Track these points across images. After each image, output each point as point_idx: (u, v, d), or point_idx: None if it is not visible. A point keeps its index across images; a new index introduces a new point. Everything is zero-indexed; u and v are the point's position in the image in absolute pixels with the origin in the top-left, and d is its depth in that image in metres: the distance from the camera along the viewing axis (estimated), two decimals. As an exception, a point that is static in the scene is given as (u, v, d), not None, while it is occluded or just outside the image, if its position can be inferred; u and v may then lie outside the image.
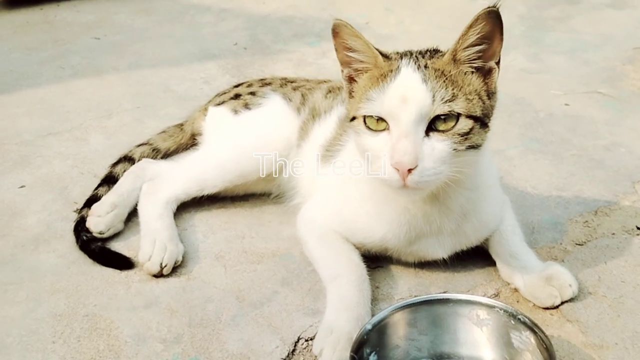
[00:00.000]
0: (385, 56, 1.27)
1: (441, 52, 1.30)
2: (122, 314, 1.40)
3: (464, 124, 1.19)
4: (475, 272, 1.46)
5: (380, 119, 1.21)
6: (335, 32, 1.27)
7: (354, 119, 1.26)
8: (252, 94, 1.85)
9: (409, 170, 1.15)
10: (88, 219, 1.64)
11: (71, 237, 1.65)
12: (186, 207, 1.75)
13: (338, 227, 1.46)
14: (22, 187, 1.91)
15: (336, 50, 1.30)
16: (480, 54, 1.22)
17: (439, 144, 1.17)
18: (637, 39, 2.93)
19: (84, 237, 1.60)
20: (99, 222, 1.62)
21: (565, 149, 2.00)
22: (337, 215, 1.46)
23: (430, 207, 1.32)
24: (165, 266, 1.49)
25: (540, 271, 1.36)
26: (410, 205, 1.33)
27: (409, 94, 1.17)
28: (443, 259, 1.41)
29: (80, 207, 1.74)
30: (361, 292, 1.32)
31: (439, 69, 1.20)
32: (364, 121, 1.22)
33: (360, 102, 1.23)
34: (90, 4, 3.72)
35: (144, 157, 1.92)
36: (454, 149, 1.18)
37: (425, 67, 1.21)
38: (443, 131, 1.18)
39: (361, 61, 1.28)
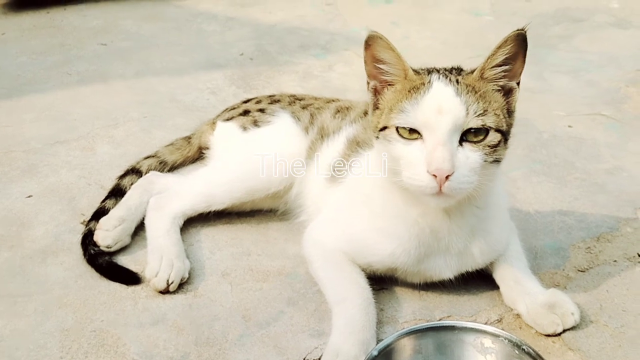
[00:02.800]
0: (415, 71, 1.32)
1: (464, 70, 1.36)
2: (129, 331, 1.41)
3: (494, 137, 1.26)
4: (479, 296, 1.48)
5: (412, 130, 1.25)
6: (368, 44, 1.31)
7: (384, 128, 1.30)
8: (261, 111, 1.87)
9: (446, 177, 1.20)
10: (96, 232, 1.65)
11: (79, 250, 1.66)
12: (193, 222, 1.77)
13: (345, 246, 1.47)
14: (29, 196, 1.92)
15: (365, 62, 1.34)
16: (505, 74, 1.30)
17: (472, 154, 1.24)
18: (640, 60, 2.96)
19: (92, 251, 1.62)
20: (106, 236, 1.64)
21: (568, 172, 2.02)
22: (344, 234, 1.48)
23: (441, 222, 1.35)
24: (172, 283, 1.51)
25: (543, 298, 1.38)
26: (420, 219, 1.36)
27: (444, 106, 1.23)
28: (449, 280, 1.43)
29: (87, 220, 1.75)
30: (367, 316, 1.34)
31: (469, 85, 1.27)
32: (397, 130, 1.26)
33: (392, 113, 1.28)
34: (97, 9, 3.74)
35: (151, 169, 1.93)
36: (485, 160, 1.25)
37: (457, 82, 1.27)
38: (475, 142, 1.24)
39: (390, 73, 1.32)
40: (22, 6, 3.70)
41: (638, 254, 1.63)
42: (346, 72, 2.87)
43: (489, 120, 1.24)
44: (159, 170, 1.95)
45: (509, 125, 1.31)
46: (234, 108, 1.98)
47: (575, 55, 3.03)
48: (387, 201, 1.39)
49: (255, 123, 1.83)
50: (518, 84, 1.33)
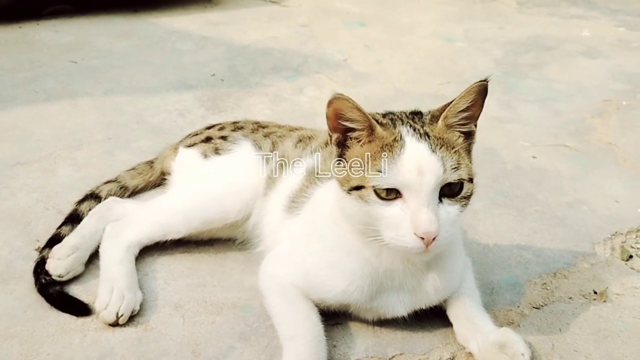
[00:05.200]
0: (379, 123, 1.30)
1: (424, 114, 1.35)
2: (75, 365, 1.38)
3: (468, 188, 1.29)
4: (432, 333, 1.47)
5: (390, 189, 1.24)
6: (332, 103, 1.28)
7: (358, 188, 1.27)
8: (223, 138, 1.85)
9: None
10: (48, 261, 1.62)
11: (30, 278, 1.63)
12: (149, 250, 1.74)
13: (298, 281, 1.46)
14: (-16, 220, 1.88)
15: (328, 117, 1.31)
16: (466, 120, 1.32)
17: (451, 208, 1.26)
18: (607, 90, 3.00)
19: (43, 280, 1.59)
20: (58, 265, 1.61)
21: (529, 205, 2.03)
22: (298, 269, 1.47)
23: (396, 262, 1.34)
24: (122, 316, 1.48)
25: (494, 337, 1.38)
26: (373, 259, 1.36)
27: (424, 166, 1.23)
28: (402, 317, 1.42)
29: (41, 247, 1.72)
30: (317, 354, 1.33)
31: (438, 137, 1.28)
32: (374, 191, 1.25)
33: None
34: (70, 25, 3.70)
35: (111, 194, 1.91)
36: (461, 211, 1.28)
37: (427, 135, 1.27)
38: (451, 196, 1.26)
39: (356, 129, 1.30)
40: (-8, 20, 3.66)
41: (594, 291, 1.64)
42: (316, 96, 2.87)
43: (463, 173, 1.27)
44: (119, 196, 1.93)
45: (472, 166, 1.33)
46: (197, 134, 1.97)
47: (545, 84, 3.06)
48: (341, 238, 1.38)
49: (217, 151, 1.81)
50: (475, 125, 1.35)
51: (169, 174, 1.96)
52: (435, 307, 1.47)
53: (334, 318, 1.49)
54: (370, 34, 3.72)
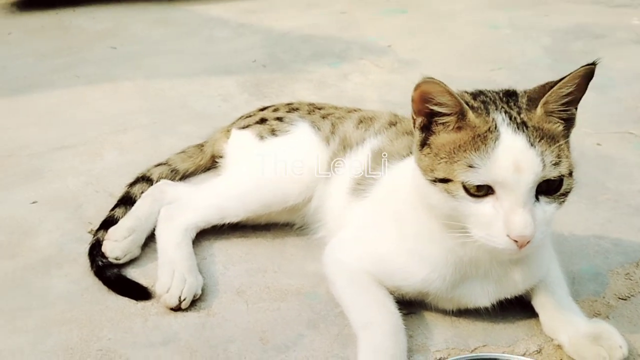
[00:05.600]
0: (471, 107, 1.17)
1: (519, 95, 1.22)
2: (138, 351, 1.31)
3: (568, 183, 1.16)
4: (515, 324, 1.37)
5: (481, 185, 1.13)
6: (419, 86, 1.16)
7: (445, 180, 1.16)
8: (279, 119, 1.77)
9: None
10: (104, 243, 1.55)
11: (85, 261, 1.56)
12: (205, 234, 1.66)
13: (371, 268, 1.37)
14: (33, 202, 1.82)
15: (413, 100, 1.20)
16: (567, 105, 1.19)
17: (548, 207, 1.15)
18: (664, 78, 2.87)
19: (100, 263, 1.52)
20: (115, 247, 1.53)
21: (600, 193, 1.92)
22: (370, 254, 1.38)
23: (479, 251, 1.23)
24: (184, 300, 1.41)
25: (586, 329, 1.27)
26: (458, 248, 1.25)
27: (522, 163, 1.11)
28: (485, 307, 1.33)
29: (95, 229, 1.65)
30: (397, 344, 1.24)
31: (537, 127, 1.15)
32: (463, 186, 1.14)
33: (456, 165, 1.14)
34: (106, 11, 3.66)
35: (162, 177, 1.84)
36: (558, 209, 1.16)
37: (525, 125, 1.14)
38: (549, 193, 1.14)
39: (444, 114, 1.18)
40: (30, 6, 3.63)
41: (680, 281, 1.53)
42: (362, 82, 2.78)
43: (564, 168, 1.14)
44: (169, 179, 1.85)
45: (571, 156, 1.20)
46: (250, 116, 1.89)
47: (599, 72, 2.92)
48: (421, 225, 1.28)
49: (273, 132, 1.73)
50: (576, 108, 1.22)
51: (220, 157, 1.89)
52: (519, 297, 1.37)
53: (407, 307, 1.39)
54: (411, 21, 3.62)
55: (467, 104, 1.17)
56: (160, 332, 1.36)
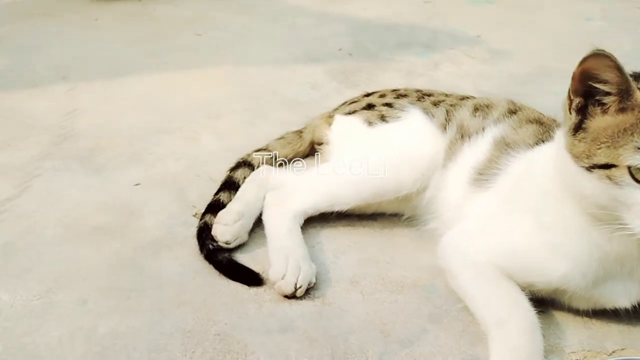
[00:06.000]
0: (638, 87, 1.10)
1: None
2: (256, 337, 1.28)
3: None
4: (655, 327, 1.28)
5: None
6: (586, 60, 1.09)
7: (607, 166, 1.09)
8: (388, 105, 1.71)
9: None
10: (214, 226, 1.53)
11: (193, 245, 1.54)
12: (311, 222, 1.62)
13: (501, 261, 1.29)
14: (137, 184, 1.82)
15: (573, 77, 1.13)
16: None
17: None
18: None
19: (210, 247, 1.49)
20: (225, 231, 1.51)
21: None
22: (500, 247, 1.30)
23: (630, 248, 1.15)
24: (300, 287, 1.37)
25: None
26: (604, 243, 1.17)
27: None
28: (624, 309, 1.24)
29: (201, 213, 1.63)
30: (534, 343, 1.17)
31: None
32: (629, 171, 1.06)
33: (621, 149, 1.07)
34: (187, 1, 3.67)
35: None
36: None
37: None
38: None
39: (609, 94, 1.11)
40: (114, -6, 3.67)
41: None
42: (455, 72, 2.70)
43: None
44: (270, 164, 1.82)
45: None
46: (355, 101, 1.84)
47: None
48: (565, 217, 1.20)
49: (383, 118, 1.67)
50: None
51: (320, 143, 1.85)
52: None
53: (536, 305, 1.31)
54: (499, 11, 3.50)
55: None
56: (276, 319, 1.32)
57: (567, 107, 1.16)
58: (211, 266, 1.47)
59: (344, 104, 1.89)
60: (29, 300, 1.38)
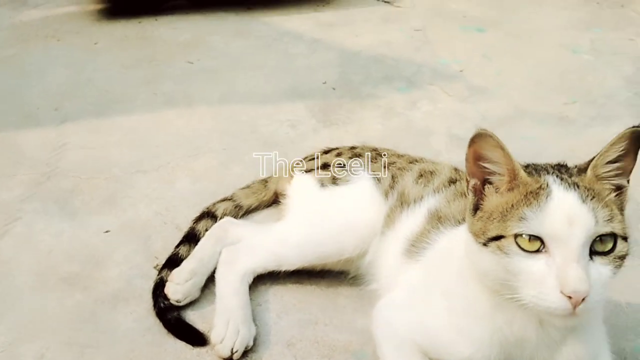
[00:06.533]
0: (524, 170, 1.22)
1: (569, 167, 1.26)
2: (191, 399, 1.40)
3: (622, 246, 1.17)
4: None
5: (533, 238, 1.16)
6: (473, 141, 1.21)
7: (498, 238, 1.19)
8: (341, 166, 1.81)
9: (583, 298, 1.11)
10: (167, 284, 1.65)
11: (149, 298, 1.67)
12: (263, 278, 1.74)
13: (418, 337, 1.40)
14: (107, 232, 1.95)
15: (467, 159, 1.25)
16: (617, 172, 1.22)
17: (603, 269, 1.15)
18: None
19: (162, 304, 1.62)
20: (177, 290, 1.63)
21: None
22: (418, 324, 1.41)
23: (530, 332, 1.25)
24: (236, 352, 1.49)
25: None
26: (505, 326, 1.27)
27: (574, 216, 1.13)
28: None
29: (160, 266, 1.76)
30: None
31: (588, 187, 1.18)
32: (515, 241, 1.16)
33: (509, 221, 1.18)
34: (186, 21, 3.78)
35: (226, 214, 1.93)
36: (614, 273, 1.17)
37: (576, 185, 1.18)
38: (603, 254, 1.16)
39: (497, 174, 1.23)
40: (115, 14, 3.79)
41: None
42: (430, 112, 2.78)
43: (617, 227, 1.16)
44: (234, 214, 1.95)
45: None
46: (314, 158, 1.94)
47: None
48: (470, 300, 1.30)
49: (334, 180, 1.78)
50: (628, 181, 1.24)
51: (282, 195, 1.96)
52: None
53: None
54: (488, 41, 3.54)
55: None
56: (213, 381, 1.45)
57: (465, 188, 1.27)
58: (162, 324, 1.59)
59: (304, 158, 1.99)
60: (-6, 352, 1.52)
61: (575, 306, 1.11)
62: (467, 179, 1.28)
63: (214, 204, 1.97)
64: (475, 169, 1.25)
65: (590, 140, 2.53)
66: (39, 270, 1.78)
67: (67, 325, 1.60)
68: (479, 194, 1.26)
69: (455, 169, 1.75)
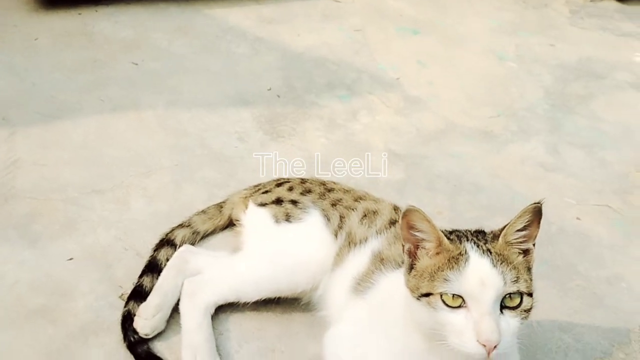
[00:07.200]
0: (446, 237, 1.46)
1: (486, 233, 1.52)
2: None
3: (527, 302, 1.43)
4: None
5: (455, 296, 1.40)
6: (406, 214, 1.46)
7: (427, 294, 1.43)
8: (293, 203, 1.99)
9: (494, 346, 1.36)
10: (135, 319, 1.80)
11: (117, 330, 1.81)
12: (223, 307, 1.90)
13: (362, 372, 1.63)
14: (70, 259, 2.06)
15: (401, 228, 1.48)
16: (524, 238, 1.47)
17: (512, 320, 1.41)
18: (654, 134, 3.06)
19: (132, 338, 1.77)
20: (145, 325, 1.79)
21: (571, 278, 2.16)
22: (363, 357, 1.63)
23: None
24: (204, 386, 1.67)
25: None
26: None
27: (486, 279, 1.38)
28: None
29: (126, 297, 1.90)
30: None
31: (499, 253, 1.44)
32: (441, 298, 1.40)
33: (435, 281, 1.42)
34: (127, 14, 3.75)
35: (184, 240, 2.08)
36: (521, 324, 1.42)
37: (489, 251, 1.43)
38: (512, 308, 1.41)
39: (425, 240, 1.47)
40: (54, 3, 3.72)
41: (628, 383, 1.79)
42: (369, 124, 2.97)
43: (522, 286, 1.42)
44: (191, 241, 2.10)
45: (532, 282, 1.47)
46: (267, 191, 2.10)
47: (591, 124, 3.12)
48: (409, 342, 1.53)
49: (287, 217, 1.95)
50: (534, 244, 1.50)
51: (237, 221, 2.12)
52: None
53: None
54: (422, 45, 3.75)
55: (443, 234, 1.46)
56: (183, 413, 1.63)
57: (402, 251, 1.51)
58: (132, 357, 1.75)
59: (257, 189, 2.15)
60: (-26, 391, 1.64)
61: (489, 352, 1.37)
62: (402, 244, 1.52)
63: (172, 230, 2.11)
64: (408, 236, 1.50)
65: (510, 158, 2.84)
66: (5, 305, 1.88)
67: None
68: (412, 256, 1.51)
69: (395, 208, 1.96)
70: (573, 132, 3.05)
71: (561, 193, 2.60)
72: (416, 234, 1.47)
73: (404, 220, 1.47)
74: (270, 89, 3.19)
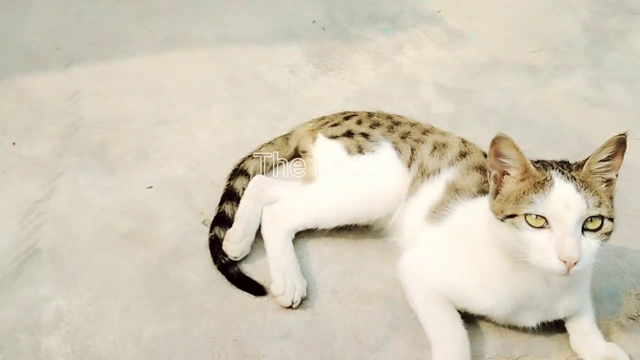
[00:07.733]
0: (535, 166, 1.57)
1: (570, 163, 1.63)
2: (264, 343, 1.72)
3: (608, 225, 1.55)
4: (549, 338, 1.78)
5: (539, 217, 1.52)
6: (494, 142, 1.56)
7: (512, 216, 1.54)
8: (364, 136, 2.07)
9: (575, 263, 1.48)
10: (224, 243, 1.91)
11: (205, 254, 1.92)
12: (300, 232, 2.02)
13: (445, 289, 1.75)
14: (149, 187, 2.15)
15: (489, 155, 1.59)
16: (607, 168, 1.58)
17: (593, 242, 1.53)
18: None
19: (223, 261, 1.89)
20: (235, 248, 1.90)
21: (622, 208, 2.25)
22: (446, 279, 1.75)
23: (539, 288, 1.64)
24: (296, 302, 1.80)
25: (604, 352, 1.70)
26: (521, 285, 1.64)
27: (570, 201, 1.50)
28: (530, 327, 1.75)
29: (209, 221, 2.00)
30: (464, 356, 1.66)
31: (583, 180, 1.55)
32: (525, 218, 1.52)
33: (521, 204, 1.53)
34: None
35: (256, 171, 2.17)
36: (601, 245, 1.55)
37: (574, 178, 1.55)
38: (593, 231, 1.53)
39: (512, 167, 1.58)
40: None
41: (682, 303, 1.94)
42: (417, 58, 3.02)
43: (604, 211, 1.53)
44: (262, 170, 2.19)
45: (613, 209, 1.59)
46: (336, 124, 2.17)
47: (631, 60, 3.18)
48: (493, 263, 1.66)
49: (360, 149, 2.04)
50: (617, 175, 1.60)
51: (304, 152, 2.21)
52: (555, 319, 1.79)
53: (465, 318, 1.79)
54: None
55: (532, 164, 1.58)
56: (279, 327, 1.77)
57: (488, 177, 1.61)
58: (223, 276, 1.87)
59: (325, 122, 2.23)
60: (83, 307, 1.76)
61: (569, 268, 1.50)
62: (489, 170, 1.62)
63: (243, 160, 2.19)
64: (495, 163, 1.60)
65: (556, 92, 2.90)
66: (98, 229, 1.98)
67: (140, 280, 1.85)
68: (498, 182, 1.61)
69: (463, 141, 2.05)
70: (614, 67, 3.11)
71: (607, 127, 2.69)
72: (504, 160, 1.58)
73: (493, 148, 1.57)
74: (314, 22, 3.21)
